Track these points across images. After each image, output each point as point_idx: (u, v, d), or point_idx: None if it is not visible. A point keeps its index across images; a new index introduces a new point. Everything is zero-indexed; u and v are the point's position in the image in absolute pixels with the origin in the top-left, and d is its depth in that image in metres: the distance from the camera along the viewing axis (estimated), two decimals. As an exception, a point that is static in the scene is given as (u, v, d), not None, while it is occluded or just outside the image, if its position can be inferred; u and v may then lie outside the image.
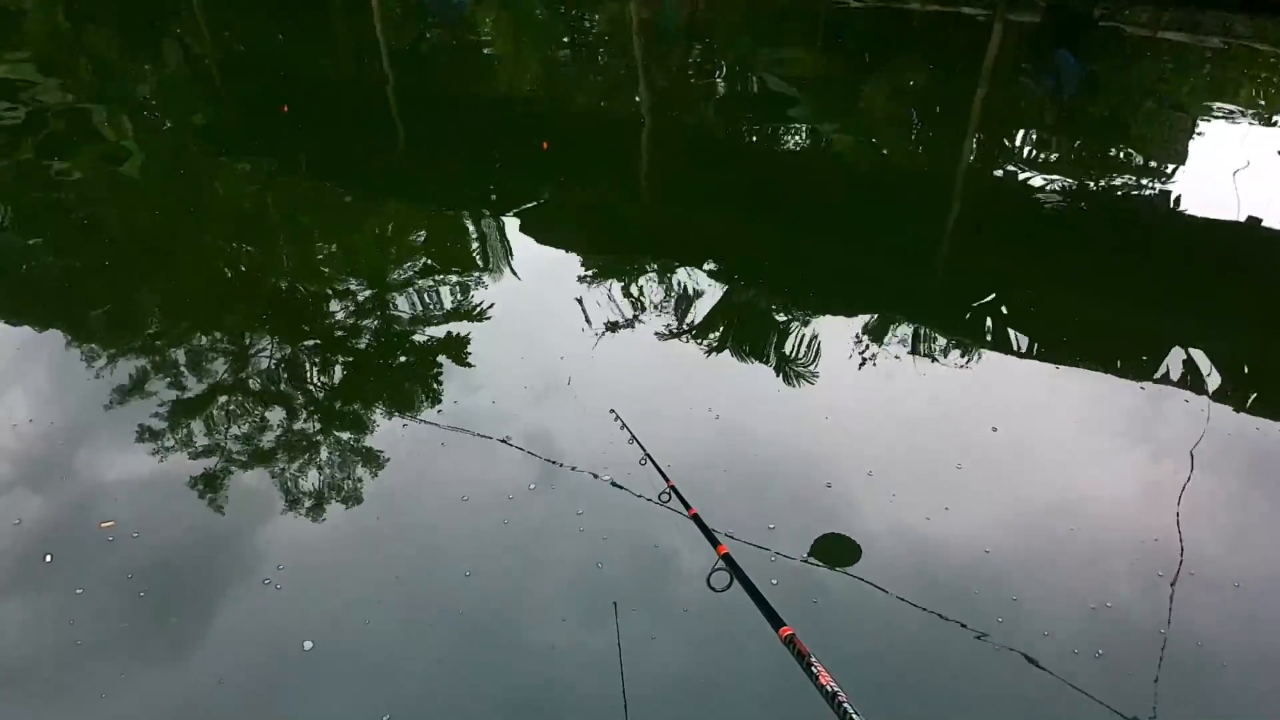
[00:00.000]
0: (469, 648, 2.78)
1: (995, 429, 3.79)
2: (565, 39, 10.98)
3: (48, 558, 3.09)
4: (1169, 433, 3.87)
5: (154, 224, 5.85)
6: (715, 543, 2.27)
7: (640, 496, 3.28)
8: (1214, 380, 4.18)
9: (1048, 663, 2.75)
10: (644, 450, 3.11)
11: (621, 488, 3.36)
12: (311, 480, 3.49)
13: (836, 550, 3.13)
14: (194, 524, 3.29)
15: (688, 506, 2.63)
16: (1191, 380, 4.17)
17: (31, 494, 3.43)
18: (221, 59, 9.89)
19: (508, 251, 5.39)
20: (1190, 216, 6.02)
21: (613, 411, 3.45)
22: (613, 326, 4.52)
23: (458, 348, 4.37)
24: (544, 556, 3.10)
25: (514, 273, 5.15)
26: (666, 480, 2.83)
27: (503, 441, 3.63)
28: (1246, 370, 4.33)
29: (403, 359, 4.34)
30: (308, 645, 2.76)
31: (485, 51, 10.36)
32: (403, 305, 4.78)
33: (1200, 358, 4.32)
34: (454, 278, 5.05)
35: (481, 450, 3.62)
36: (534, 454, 3.56)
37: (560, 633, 2.82)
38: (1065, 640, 2.82)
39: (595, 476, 3.43)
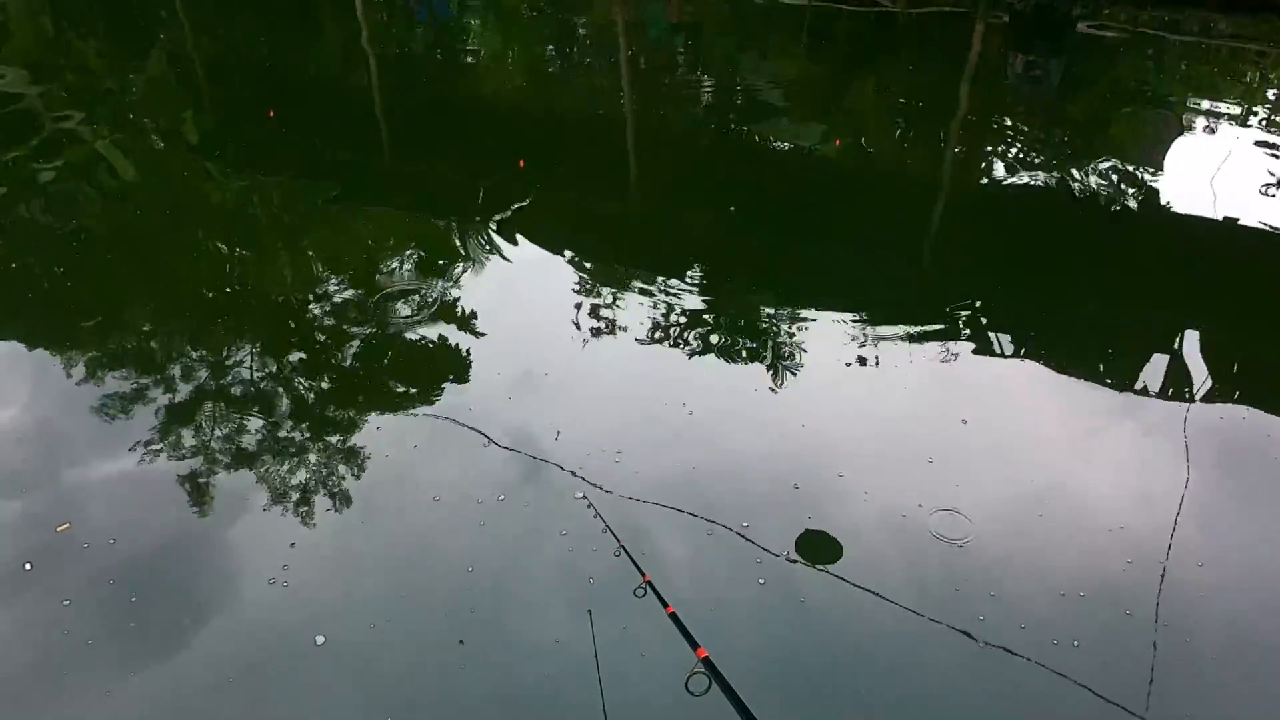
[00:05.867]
0: (467, 650, 2.85)
1: (965, 421, 3.88)
2: (552, 41, 11.02)
3: (27, 565, 3.15)
4: (1139, 424, 3.98)
5: (135, 229, 5.87)
6: (695, 645, 2.20)
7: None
8: (1185, 372, 4.29)
9: (1030, 655, 2.81)
10: (619, 541, 2.95)
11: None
12: (301, 488, 3.55)
13: (817, 548, 3.20)
14: (185, 529, 3.35)
15: (665, 604, 2.53)
16: (1163, 373, 4.29)
17: (32, 503, 3.50)
18: (206, 63, 9.88)
19: (492, 255, 5.45)
20: (1169, 214, 6.13)
21: (584, 497, 3.30)
22: (595, 332, 4.60)
23: (439, 353, 4.43)
24: (528, 559, 3.17)
25: (499, 275, 5.21)
26: (643, 574, 2.71)
27: (500, 446, 3.68)
28: (1218, 363, 4.43)
29: (386, 364, 4.39)
30: (319, 639, 2.83)
31: (471, 54, 10.38)
32: (388, 310, 4.83)
33: (1174, 351, 4.43)
34: (438, 283, 5.10)
35: (461, 455, 3.67)
36: (531, 453, 3.63)
37: (549, 640, 2.88)
38: (1043, 632, 2.91)
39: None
